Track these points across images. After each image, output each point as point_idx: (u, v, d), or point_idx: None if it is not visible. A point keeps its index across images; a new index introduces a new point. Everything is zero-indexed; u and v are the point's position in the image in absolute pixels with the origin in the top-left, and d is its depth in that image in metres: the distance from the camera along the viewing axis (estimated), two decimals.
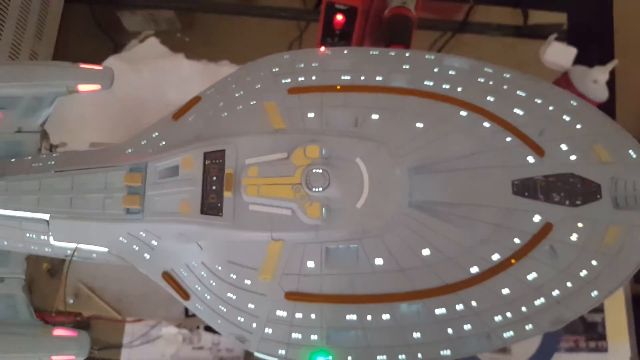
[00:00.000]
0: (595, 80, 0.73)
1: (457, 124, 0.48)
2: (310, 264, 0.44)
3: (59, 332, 0.49)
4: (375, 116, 0.47)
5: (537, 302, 0.45)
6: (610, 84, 0.76)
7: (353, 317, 0.44)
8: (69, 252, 0.49)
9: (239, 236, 0.44)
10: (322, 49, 0.53)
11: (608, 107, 0.76)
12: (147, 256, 0.47)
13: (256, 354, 0.46)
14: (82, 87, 0.54)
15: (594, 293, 0.45)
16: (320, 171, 0.44)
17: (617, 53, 0.86)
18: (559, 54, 0.80)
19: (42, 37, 0.86)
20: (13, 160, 0.52)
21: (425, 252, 0.44)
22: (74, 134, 0.80)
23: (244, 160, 0.45)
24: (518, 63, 0.52)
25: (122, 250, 0.48)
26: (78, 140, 0.70)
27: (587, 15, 0.95)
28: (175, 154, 0.46)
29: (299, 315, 0.44)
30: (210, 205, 0.44)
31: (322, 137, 0.45)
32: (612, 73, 0.76)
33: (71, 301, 0.72)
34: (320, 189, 0.43)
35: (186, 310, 0.74)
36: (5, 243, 0.50)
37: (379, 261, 0.44)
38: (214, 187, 0.45)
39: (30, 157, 0.52)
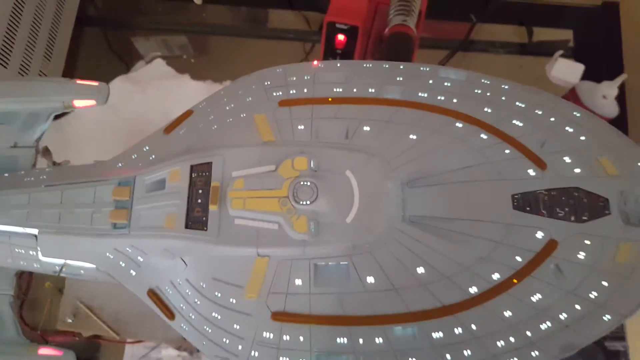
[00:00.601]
0: (604, 96, 0.71)
1: (453, 136, 0.46)
2: (298, 281, 0.42)
3: (44, 351, 0.48)
4: (366, 128, 0.46)
5: (543, 326, 0.42)
6: (621, 99, 0.74)
7: (344, 340, 0.42)
8: (57, 268, 0.49)
9: (224, 252, 0.43)
10: (315, 62, 0.52)
11: (619, 123, 0.74)
12: (133, 273, 0.46)
13: None
14: (78, 103, 0.54)
15: (607, 317, 0.42)
16: (308, 183, 0.42)
17: (627, 67, 0.84)
18: (566, 70, 0.78)
19: (52, 59, 0.87)
20: (6, 175, 0.52)
21: (420, 270, 0.42)
22: (78, 152, 0.81)
23: (231, 172, 0.44)
24: (524, 80, 0.50)
25: (109, 266, 0.47)
26: (82, 158, 0.70)
27: (593, 30, 0.93)
28: (163, 167, 0.46)
29: (286, 337, 0.42)
30: (195, 219, 0.43)
31: (311, 149, 0.44)
32: (622, 88, 0.74)
33: (70, 320, 0.71)
34: (308, 202, 0.42)
35: None
36: None
37: (370, 279, 0.42)
38: (199, 201, 0.43)
39: (23, 172, 0.52)
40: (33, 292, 0.68)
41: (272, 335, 0.42)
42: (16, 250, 0.48)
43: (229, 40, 1.03)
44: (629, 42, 0.87)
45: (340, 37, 0.77)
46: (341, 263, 0.42)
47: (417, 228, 0.43)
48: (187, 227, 0.43)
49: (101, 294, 0.75)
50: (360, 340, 0.41)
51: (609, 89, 0.70)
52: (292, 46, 0.99)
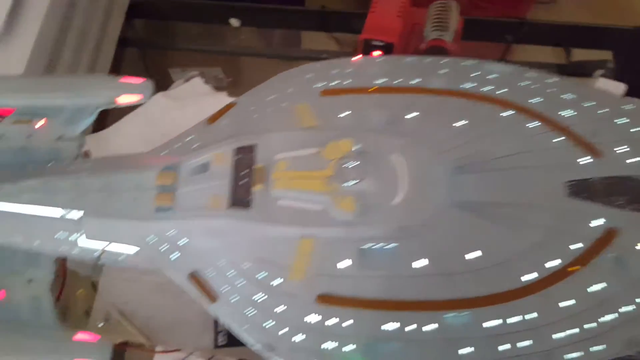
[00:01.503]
0: None
1: (502, 123, 0.45)
2: (344, 264, 0.41)
3: (79, 336, 0.47)
4: (412, 115, 0.45)
5: (604, 319, 0.39)
6: None
7: (393, 326, 0.39)
8: (96, 253, 0.48)
9: (268, 231, 0.42)
10: (356, 57, 0.52)
11: None
12: (174, 256, 0.45)
13: None
14: (122, 99, 0.55)
15: None
16: (355, 164, 0.41)
17: None
18: (607, 89, 0.77)
19: None
20: (50, 164, 0.52)
21: (471, 255, 0.40)
22: None
23: (274, 155, 0.44)
24: None
25: (150, 251, 0.46)
26: None
27: (634, 52, 0.92)
28: (207, 151, 0.46)
29: (332, 321, 0.40)
30: (240, 200, 0.43)
31: (356, 132, 0.44)
32: None
33: (100, 325, 0.70)
34: (354, 182, 0.41)
35: (215, 340, 0.70)
36: (36, 243, 0.49)
37: (419, 263, 0.40)
38: (243, 182, 0.43)
39: (67, 162, 0.52)
40: (64, 299, 0.68)
41: (316, 319, 0.40)
42: (58, 234, 0.48)
43: (264, 61, 1.06)
44: None
45: (376, 53, 0.78)
46: (389, 246, 0.40)
47: (468, 212, 0.41)
48: (231, 206, 0.42)
49: (134, 300, 0.74)
50: (411, 327, 0.39)
51: None
52: None
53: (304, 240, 0.41)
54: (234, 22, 1.01)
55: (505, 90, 0.47)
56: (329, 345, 0.40)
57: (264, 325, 0.42)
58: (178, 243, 0.45)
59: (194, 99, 0.95)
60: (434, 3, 0.81)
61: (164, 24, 1.09)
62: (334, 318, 0.40)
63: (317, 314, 0.40)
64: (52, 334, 0.47)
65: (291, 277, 0.41)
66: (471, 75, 0.49)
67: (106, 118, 0.86)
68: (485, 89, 0.47)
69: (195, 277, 0.45)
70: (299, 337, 0.41)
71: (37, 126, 0.55)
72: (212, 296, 0.44)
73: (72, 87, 0.56)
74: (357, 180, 0.41)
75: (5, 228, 0.49)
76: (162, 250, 0.46)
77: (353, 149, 0.42)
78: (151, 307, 0.72)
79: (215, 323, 0.68)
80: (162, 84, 1.00)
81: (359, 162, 0.41)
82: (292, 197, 0.42)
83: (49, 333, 0.47)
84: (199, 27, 1.07)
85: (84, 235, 0.48)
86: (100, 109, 0.56)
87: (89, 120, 0.56)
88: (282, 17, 1.04)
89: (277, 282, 0.41)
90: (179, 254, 0.45)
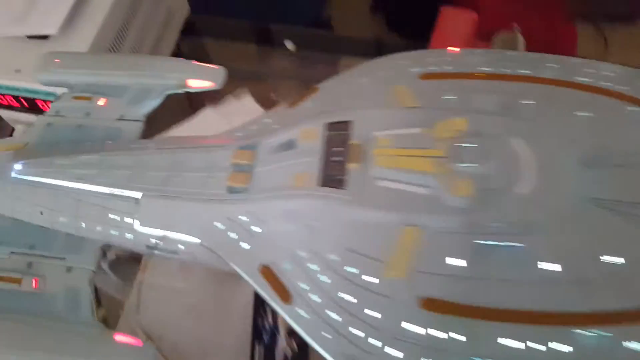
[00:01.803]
0: None
1: (630, 118, 0.39)
2: (456, 261, 0.33)
3: (121, 338, 0.39)
4: (527, 102, 0.40)
5: None
6: None
7: (516, 343, 0.32)
8: (153, 240, 0.42)
9: (364, 217, 0.35)
10: (451, 48, 0.47)
11: None
12: (245, 246, 0.39)
13: None
14: (193, 83, 0.51)
15: None
16: (471, 145, 0.35)
17: None
18: None
19: None
20: (110, 142, 0.48)
21: (612, 259, 0.33)
22: None
23: (373, 132, 0.38)
24: None
25: (216, 239, 0.40)
26: None
27: None
28: (293, 128, 0.40)
29: (438, 332, 0.33)
30: (332, 178, 0.36)
31: (469, 113, 0.38)
32: None
33: None
34: (472, 164, 0.35)
35: None
36: (83, 225, 0.43)
37: (549, 266, 0.33)
38: (336, 159, 0.37)
39: (130, 140, 0.48)
40: None
41: (418, 328, 0.33)
42: (110, 215, 0.42)
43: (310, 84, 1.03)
44: None
45: None
46: (512, 243, 0.34)
47: (603, 210, 0.34)
48: (322, 185, 0.36)
49: (162, 322, 0.66)
50: (536, 345, 0.32)
51: None
52: None
53: (407, 229, 0.34)
54: (289, 45, 1.00)
55: (626, 87, 0.42)
56: None
57: (350, 333, 0.34)
58: (251, 229, 0.39)
59: (243, 116, 0.92)
60: (498, 36, 0.78)
61: (217, 41, 1.08)
62: (441, 329, 0.33)
63: (419, 323, 0.33)
64: (90, 331, 0.40)
65: (388, 274, 0.34)
66: (584, 70, 0.44)
67: (153, 130, 0.83)
68: (605, 83, 0.42)
69: (267, 271, 0.38)
70: (394, 352, 0.33)
71: (97, 104, 0.51)
72: (285, 295, 0.37)
73: (138, 66, 0.52)
74: (474, 163, 0.35)
75: (51, 205, 0.44)
76: (230, 237, 0.39)
77: (467, 130, 0.36)
78: (181, 331, 0.65)
79: (252, 349, 0.61)
80: (212, 99, 0.97)
81: (475, 143, 0.35)
82: (395, 178, 0.35)
83: (86, 330, 0.40)
84: (254, 47, 1.06)
85: (140, 219, 0.42)
86: (169, 92, 0.51)
87: (155, 102, 0.51)
88: (336, 45, 1.02)
89: (370, 279, 0.34)
90: (251, 242, 0.39)
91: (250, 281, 0.38)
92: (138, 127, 0.49)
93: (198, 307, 0.63)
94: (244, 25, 1.02)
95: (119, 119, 0.50)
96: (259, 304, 0.63)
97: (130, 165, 0.43)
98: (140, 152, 0.44)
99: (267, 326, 0.61)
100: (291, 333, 0.61)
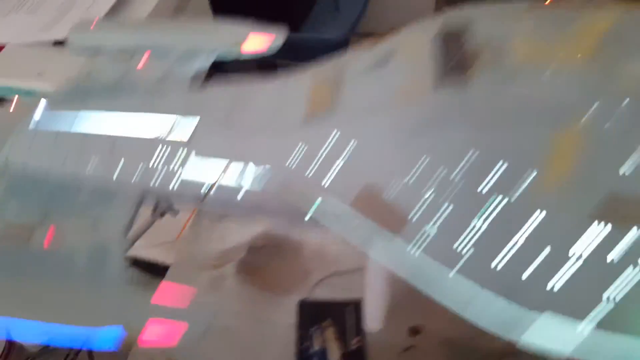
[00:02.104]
0: None
1: None
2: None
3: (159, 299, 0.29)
4: None
5: None
6: None
7: None
8: (208, 184, 0.33)
9: (499, 118, 0.28)
10: None
11: None
12: (335, 169, 0.31)
13: None
14: (247, 46, 0.46)
15: None
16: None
17: None
18: None
19: None
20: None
21: None
22: None
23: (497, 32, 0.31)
24: None
25: (292, 172, 0.32)
26: None
27: None
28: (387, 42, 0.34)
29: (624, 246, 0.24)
30: (451, 81, 0.30)
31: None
32: None
33: None
34: None
35: None
36: (120, 166, 0.35)
37: None
38: (453, 63, 0.30)
39: None
40: None
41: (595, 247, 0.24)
42: (157, 153, 0.34)
43: None
44: None
45: None
46: None
47: None
48: (439, 87, 0.29)
49: (183, 345, 0.54)
50: None
51: None
52: None
53: (566, 131, 0.27)
54: None
55: None
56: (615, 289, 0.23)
57: (491, 266, 0.26)
58: (342, 151, 0.31)
59: None
60: None
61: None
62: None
63: (596, 237, 0.24)
64: (128, 293, 0.30)
65: (547, 183, 0.26)
66: None
67: None
68: None
69: (368, 197, 0.29)
70: (558, 284, 0.24)
71: (137, 65, 0.45)
72: (395, 222, 0.28)
73: (183, 30, 0.47)
74: None
75: (88, 150, 0.36)
76: (312, 165, 0.31)
77: (613, 28, 0.30)
78: (203, 355, 0.53)
79: None
80: None
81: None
82: (536, 77, 0.29)
83: (121, 292, 0.30)
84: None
85: (193, 157, 0.34)
86: (217, 53, 0.46)
87: (201, 64, 0.45)
88: None
89: (517, 194, 0.26)
90: (342, 167, 0.31)
91: (343, 215, 0.29)
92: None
93: (231, 329, 0.51)
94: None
95: (161, 80, 0.43)
96: (304, 324, 0.52)
97: (181, 100, 0.36)
98: (193, 93, 0.37)
99: (316, 349, 0.50)
100: (345, 356, 0.49)
